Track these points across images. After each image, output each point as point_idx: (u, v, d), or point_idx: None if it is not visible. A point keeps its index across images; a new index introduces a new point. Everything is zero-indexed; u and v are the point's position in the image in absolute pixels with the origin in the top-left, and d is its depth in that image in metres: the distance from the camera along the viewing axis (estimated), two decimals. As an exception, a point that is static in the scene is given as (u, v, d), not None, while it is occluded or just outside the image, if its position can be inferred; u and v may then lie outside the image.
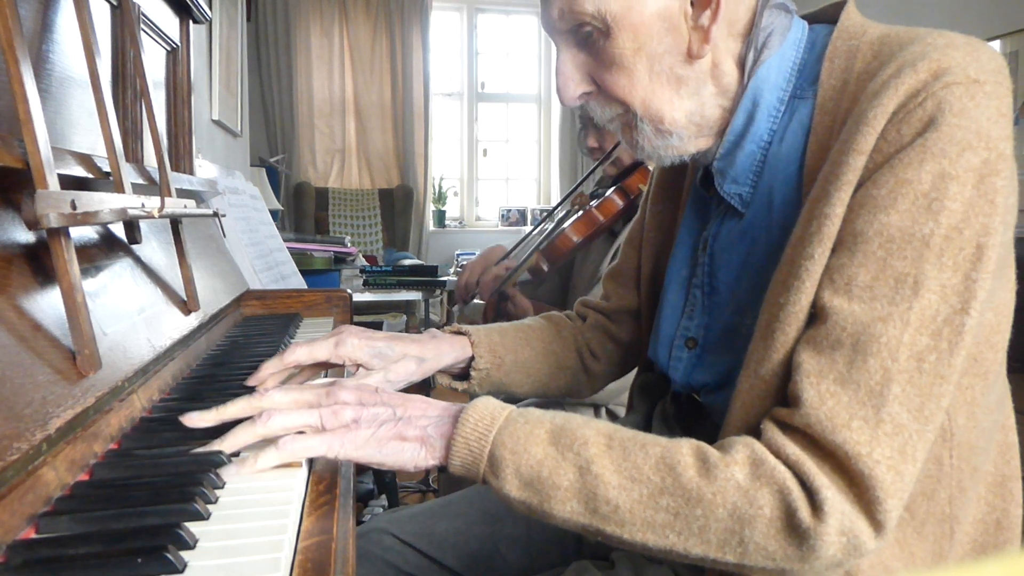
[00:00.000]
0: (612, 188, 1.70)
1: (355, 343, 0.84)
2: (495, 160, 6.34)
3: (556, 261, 1.76)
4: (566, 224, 1.75)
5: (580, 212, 1.75)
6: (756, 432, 0.64)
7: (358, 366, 0.85)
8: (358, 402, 0.67)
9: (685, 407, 0.88)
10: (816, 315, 0.62)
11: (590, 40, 0.72)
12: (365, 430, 0.64)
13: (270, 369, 0.83)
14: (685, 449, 0.62)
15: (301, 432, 0.65)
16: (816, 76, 0.71)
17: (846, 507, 0.57)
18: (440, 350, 0.91)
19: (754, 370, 0.66)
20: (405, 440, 0.65)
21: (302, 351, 0.83)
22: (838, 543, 0.57)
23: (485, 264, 1.86)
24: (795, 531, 0.58)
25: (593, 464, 0.61)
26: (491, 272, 1.81)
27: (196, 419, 0.66)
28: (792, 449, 0.59)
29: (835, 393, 0.59)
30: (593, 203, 1.73)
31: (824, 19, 0.76)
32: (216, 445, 0.63)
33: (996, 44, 3.45)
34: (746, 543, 0.59)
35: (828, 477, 0.58)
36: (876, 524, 0.58)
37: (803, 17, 0.77)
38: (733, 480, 0.59)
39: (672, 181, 0.95)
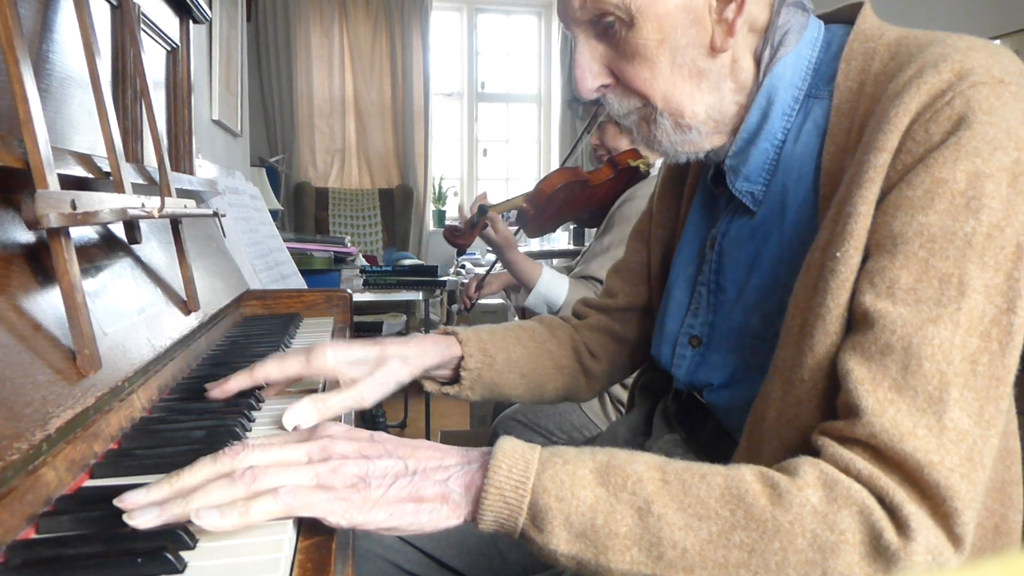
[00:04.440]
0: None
1: (328, 353, 0.79)
2: (495, 160, 6.33)
3: (538, 203, 1.86)
4: (552, 172, 1.87)
5: (568, 166, 1.88)
6: (798, 440, 0.62)
7: (338, 382, 0.80)
8: (360, 454, 0.56)
9: (687, 406, 0.87)
10: (858, 320, 0.60)
11: (611, 31, 0.72)
12: (375, 490, 0.54)
13: (239, 383, 0.78)
14: (749, 476, 0.56)
15: None
16: (832, 75, 0.71)
17: (929, 522, 0.53)
18: (423, 348, 0.86)
19: (787, 376, 0.64)
20: (423, 500, 0.55)
21: (272, 365, 0.78)
22: (924, 562, 0.53)
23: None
24: (882, 554, 0.53)
25: (653, 504, 0.55)
26: (477, 198, 1.89)
27: (141, 498, 0.51)
28: (862, 464, 0.55)
29: (893, 401, 0.56)
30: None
31: (840, 19, 0.76)
32: (177, 507, 0.50)
33: (995, 43, 3.45)
34: (828, 574, 0.53)
35: (906, 491, 0.54)
36: (955, 538, 0.54)
37: (819, 17, 0.77)
38: (809, 505, 0.54)
39: (677, 177, 0.95)
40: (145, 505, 0.51)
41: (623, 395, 1.61)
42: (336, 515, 0.53)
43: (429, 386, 0.92)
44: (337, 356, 0.79)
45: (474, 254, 5.50)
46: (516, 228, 1.95)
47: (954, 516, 0.53)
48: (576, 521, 0.55)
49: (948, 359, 0.55)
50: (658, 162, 1.80)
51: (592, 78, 0.74)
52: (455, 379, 0.91)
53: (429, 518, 0.55)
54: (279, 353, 0.81)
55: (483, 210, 1.79)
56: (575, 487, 0.55)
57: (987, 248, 0.57)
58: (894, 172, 0.60)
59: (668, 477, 0.56)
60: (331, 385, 0.84)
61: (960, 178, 0.57)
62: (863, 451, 0.56)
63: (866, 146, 0.62)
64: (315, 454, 0.56)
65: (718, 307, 0.80)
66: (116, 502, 0.51)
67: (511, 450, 0.57)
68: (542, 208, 1.85)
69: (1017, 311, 0.57)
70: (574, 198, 1.84)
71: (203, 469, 0.53)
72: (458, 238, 1.90)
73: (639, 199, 1.69)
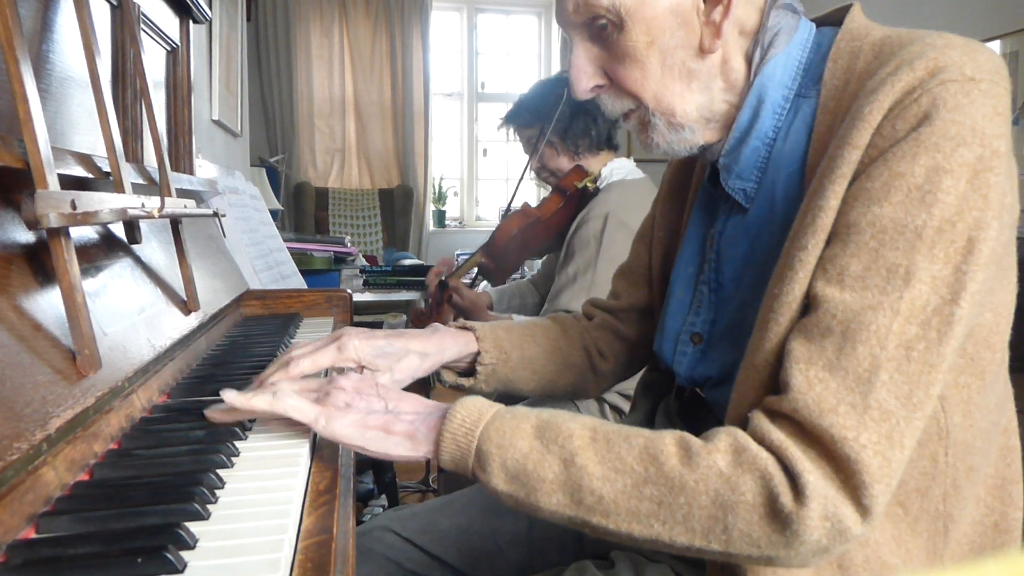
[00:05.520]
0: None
1: (357, 344, 0.84)
2: (495, 160, 6.33)
3: (497, 254, 1.83)
4: (503, 220, 1.84)
5: (518, 209, 1.84)
6: (747, 422, 0.64)
7: (362, 367, 0.85)
8: (355, 390, 0.70)
9: (688, 403, 0.88)
10: (809, 304, 0.63)
11: (603, 33, 0.73)
12: (353, 415, 0.68)
13: (277, 380, 0.81)
14: (668, 439, 0.62)
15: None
16: (820, 76, 0.72)
17: (830, 492, 0.57)
18: (443, 344, 0.91)
19: (750, 360, 0.67)
20: (390, 433, 0.68)
21: (306, 362, 0.82)
22: (821, 528, 0.57)
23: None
24: (777, 516, 0.58)
25: (577, 456, 0.63)
26: (434, 270, 1.89)
27: (230, 396, 0.70)
28: (777, 435, 0.60)
29: (823, 379, 0.59)
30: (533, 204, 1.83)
31: (831, 22, 0.77)
32: (233, 399, 0.69)
33: (996, 44, 3.46)
34: (730, 530, 0.59)
35: (813, 462, 0.58)
36: (862, 509, 0.58)
37: (811, 20, 0.78)
38: (715, 467, 0.60)
39: (682, 180, 0.96)
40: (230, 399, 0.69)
41: (618, 401, 1.61)
42: (319, 424, 0.67)
43: (446, 375, 0.97)
44: (364, 348, 0.85)
45: (474, 254, 5.48)
46: (477, 277, 1.94)
47: (862, 488, 0.57)
48: (511, 465, 0.64)
49: (882, 344, 0.58)
50: (604, 170, 1.75)
51: (587, 79, 0.76)
52: (470, 372, 0.95)
53: (395, 448, 0.68)
54: (306, 346, 0.85)
55: (444, 285, 1.79)
56: (514, 438, 0.65)
57: (937, 241, 0.59)
58: (861, 167, 0.62)
59: (597, 436, 0.64)
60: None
61: (918, 172, 0.59)
62: (786, 424, 0.61)
63: (840, 141, 0.64)
64: (323, 386, 0.71)
65: (718, 305, 0.81)
66: (222, 393, 0.70)
67: (471, 404, 0.68)
68: (502, 258, 1.83)
69: (960, 303, 0.59)
70: (531, 237, 1.81)
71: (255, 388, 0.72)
72: (426, 321, 1.86)
73: (594, 220, 1.64)
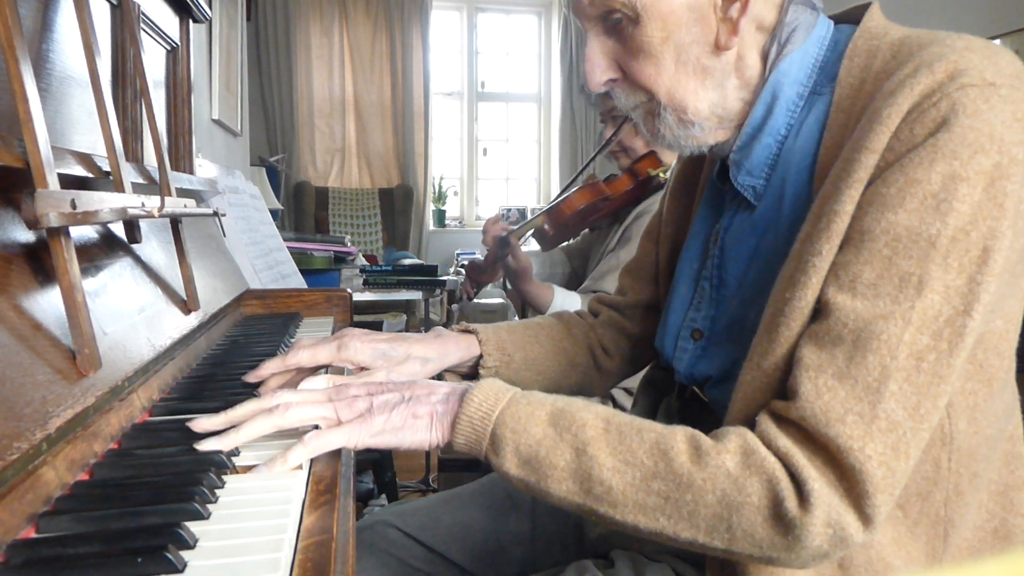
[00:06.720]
0: (623, 171, 1.80)
1: (358, 346, 0.84)
2: (495, 160, 6.33)
3: (559, 223, 1.83)
4: (571, 191, 1.83)
5: (588, 183, 1.83)
6: (754, 424, 0.64)
7: (361, 368, 0.85)
8: (367, 392, 0.69)
9: (689, 403, 0.88)
10: (820, 311, 0.62)
11: (619, 27, 0.73)
12: (379, 417, 0.67)
13: (271, 368, 0.82)
14: (679, 436, 0.63)
15: (316, 427, 0.66)
16: (836, 73, 0.72)
17: (834, 500, 0.58)
18: (446, 349, 0.91)
19: (757, 363, 0.66)
20: (418, 418, 0.67)
21: (304, 354, 0.82)
22: (824, 534, 0.58)
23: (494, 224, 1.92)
24: (781, 520, 0.59)
25: (589, 446, 0.63)
26: (497, 227, 1.86)
27: (205, 423, 0.67)
28: (784, 441, 0.60)
29: (832, 388, 0.59)
30: (602, 179, 1.82)
31: (850, 20, 0.76)
32: (231, 435, 0.64)
33: (995, 44, 3.45)
34: (734, 529, 0.60)
35: (818, 470, 0.59)
36: (864, 518, 0.58)
37: (830, 17, 0.78)
38: (723, 468, 0.60)
39: (690, 177, 0.96)
40: (207, 429, 0.66)
41: (622, 397, 1.61)
42: (352, 441, 0.66)
43: (449, 378, 0.96)
44: (364, 350, 0.85)
45: (474, 253, 5.49)
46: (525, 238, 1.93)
47: (865, 498, 0.58)
48: (524, 451, 0.65)
49: (893, 353, 0.58)
50: (676, 164, 1.76)
51: (600, 72, 0.76)
52: (473, 375, 0.95)
53: (424, 435, 0.67)
54: (309, 341, 0.84)
55: (505, 242, 1.77)
56: (529, 424, 0.65)
57: (951, 250, 0.58)
58: (877, 171, 0.61)
59: (609, 427, 0.65)
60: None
61: (935, 180, 0.58)
62: (792, 430, 0.61)
63: (856, 143, 0.63)
64: (332, 395, 0.68)
65: (719, 301, 0.81)
66: (189, 424, 0.66)
67: (488, 387, 0.68)
68: (562, 227, 1.85)
69: (973, 314, 0.58)
70: (593, 212, 1.82)
71: (249, 404, 0.67)
72: (482, 275, 1.88)
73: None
